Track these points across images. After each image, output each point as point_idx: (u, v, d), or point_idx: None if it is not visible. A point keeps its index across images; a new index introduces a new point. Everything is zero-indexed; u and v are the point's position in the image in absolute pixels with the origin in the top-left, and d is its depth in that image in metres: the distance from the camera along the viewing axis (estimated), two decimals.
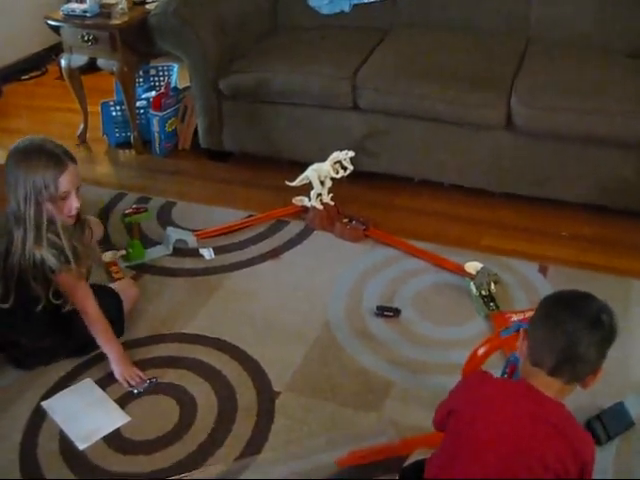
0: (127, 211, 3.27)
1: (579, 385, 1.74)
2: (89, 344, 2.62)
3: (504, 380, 2.01)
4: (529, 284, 3.00)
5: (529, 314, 2.21)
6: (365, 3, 4.02)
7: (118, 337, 2.66)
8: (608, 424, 2.28)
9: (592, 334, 1.70)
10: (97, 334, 2.57)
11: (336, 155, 3.25)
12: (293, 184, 3.33)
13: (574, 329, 1.69)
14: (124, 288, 2.85)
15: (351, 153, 3.24)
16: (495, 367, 2.33)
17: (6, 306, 2.47)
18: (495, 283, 2.93)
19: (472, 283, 2.93)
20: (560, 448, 1.66)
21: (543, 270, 3.07)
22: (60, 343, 2.64)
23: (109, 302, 2.69)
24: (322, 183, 3.30)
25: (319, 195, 3.33)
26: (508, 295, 2.93)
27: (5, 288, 2.47)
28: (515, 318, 2.43)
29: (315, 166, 3.27)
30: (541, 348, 1.74)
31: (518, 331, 2.09)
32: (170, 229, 3.32)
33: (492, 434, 1.70)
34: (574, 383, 1.74)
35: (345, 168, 3.27)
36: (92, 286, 2.63)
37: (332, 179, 3.29)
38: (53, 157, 2.41)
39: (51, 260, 2.42)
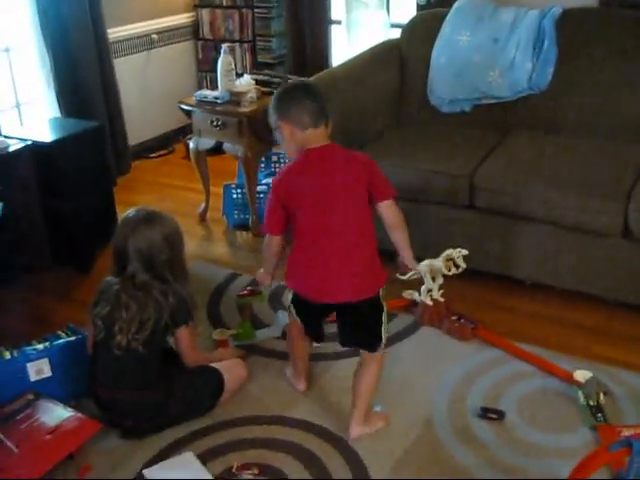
0: (241, 292, 3.37)
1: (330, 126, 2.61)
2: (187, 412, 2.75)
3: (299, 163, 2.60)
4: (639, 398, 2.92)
5: None
6: (486, 104, 4.08)
7: (206, 413, 2.81)
8: None
9: (310, 94, 2.61)
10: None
11: (449, 252, 3.27)
12: (405, 277, 3.36)
13: (300, 96, 2.58)
14: (233, 367, 2.92)
15: (464, 251, 3.25)
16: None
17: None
18: (604, 394, 2.85)
19: (580, 392, 2.87)
20: (352, 165, 2.58)
21: None
22: (165, 399, 2.72)
23: (209, 380, 2.81)
24: (433, 279, 3.32)
25: (429, 291, 3.35)
26: (617, 408, 2.84)
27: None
28: (626, 433, 2.36)
29: (427, 262, 3.30)
30: (296, 118, 2.54)
31: (628, 446, 2.06)
32: (281, 312, 3.39)
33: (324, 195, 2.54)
34: (329, 122, 2.61)
35: (458, 266, 3.28)
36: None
37: (443, 276, 3.31)
38: None
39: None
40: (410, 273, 3.32)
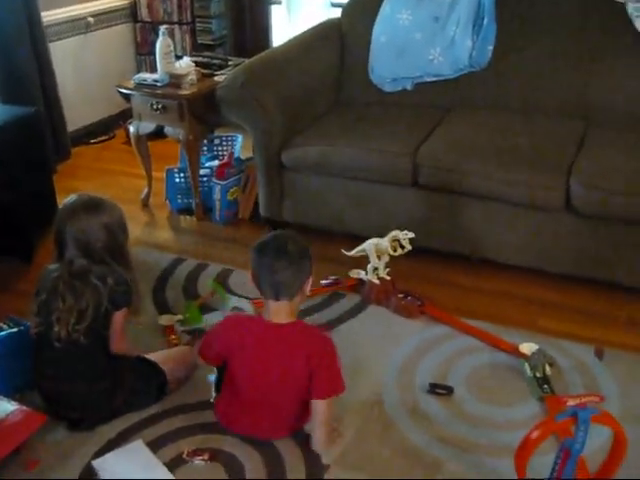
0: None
1: (303, 295, 2.49)
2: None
3: (252, 323, 2.59)
4: (585, 368, 2.95)
5: (586, 399, 2.20)
6: (427, 82, 4.09)
7: (154, 403, 2.77)
8: None
9: (281, 262, 2.38)
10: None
11: (395, 234, 3.28)
12: (350, 254, 3.37)
13: (268, 264, 2.40)
14: (182, 355, 2.89)
15: (411, 234, 3.27)
16: (548, 451, 2.31)
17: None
18: (550, 365, 2.90)
19: (527, 364, 2.91)
20: (296, 354, 2.43)
21: (599, 353, 3.02)
22: (112, 390, 2.67)
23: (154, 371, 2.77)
24: (379, 257, 3.33)
25: (375, 269, 3.35)
26: (563, 378, 2.89)
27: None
28: (571, 402, 2.40)
29: (374, 240, 3.31)
30: (261, 285, 2.43)
31: (573, 416, 2.09)
32: (227, 296, 3.36)
33: (256, 369, 2.48)
34: (295, 297, 2.45)
35: (403, 247, 3.29)
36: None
37: (389, 256, 3.32)
38: None
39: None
40: (356, 249, 3.33)
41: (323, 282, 3.45)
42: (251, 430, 2.58)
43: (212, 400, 2.70)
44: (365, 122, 3.86)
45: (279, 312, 2.47)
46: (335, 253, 3.52)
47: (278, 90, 3.78)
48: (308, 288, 2.50)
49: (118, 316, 2.67)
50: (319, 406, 2.46)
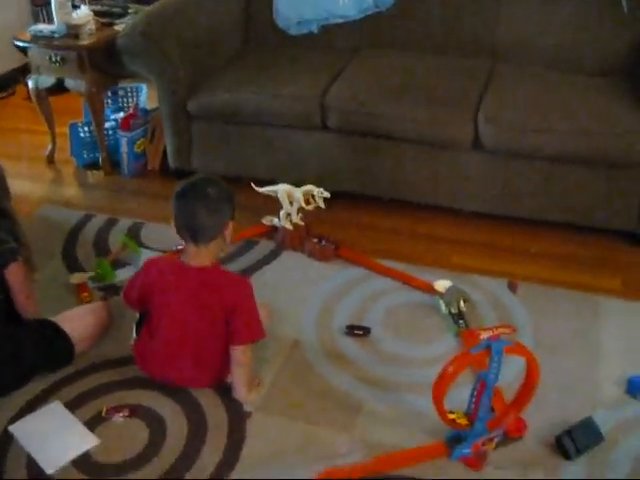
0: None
1: (223, 240, 2.46)
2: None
3: (174, 265, 2.54)
4: (498, 301, 3.01)
5: (498, 331, 2.24)
6: (333, 24, 4.04)
7: (65, 364, 2.69)
8: (578, 439, 2.29)
9: (199, 206, 2.36)
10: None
11: (311, 188, 3.26)
12: (260, 190, 3.33)
13: (186, 208, 2.38)
14: (91, 312, 2.82)
15: (326, 194, 3.26)
16: (466, 383, 2.36)
17: None
18: (465, 301, 2.94)
19: (442, 301, 2.95)
20: (213, 298, 2.42)
21: (512, 287, 3.08)
22: (13, 355, 2.58)
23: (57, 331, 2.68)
24: (291, 203, 3.30)
25: (288, 215, 3.33)
26: (478, 313, 2.95)
27: None
28: (484, 335, 2.43)
29: (286, 187, 3.28)
30: (180, 230, 2.41)
31: (487, 348, 2.13)
32: (140, 250, 3.30)
33: (174, 310, 2.47)
34: (214, 241, 2.42)
35: (316, 203, 3.30)
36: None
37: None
38: None
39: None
40: (268, 188, 3.29)
41: None
42: (169, 374, 2.55)
43: (132, 342, 2.67)
44: (272, 67, 3.79)
45: (198, 256, 2.45)
46: (247, 201, 3.47)
47: (181, 37, 3.68)
48: (229, 233, 2.48)
49: (12, 274, 2.59)
50: (237, 353, 2.45)
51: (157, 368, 2.57)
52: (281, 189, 3.30)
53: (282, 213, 3.34)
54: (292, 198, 3.30)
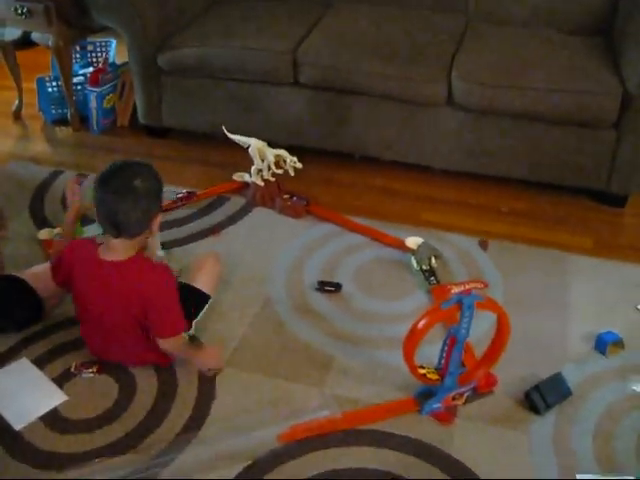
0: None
1: (149, 232, 2.29)
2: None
3: (91, 255, 2.33)
4: (469, 258, 3.02)
5: (470, 286, 2.23)
6: None
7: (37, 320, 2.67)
8: (547, 394, 2.31)
9: (125, 201, 2.16)
10: None
11: (283, 153, 3.24)
12: (230, 136, 3.30)
13: (110, 201, 2.17)
14: None
15: (299, 164, 3.24)
16: (436, 338, 2.36)
17: None
18: (436, 258, 2.95)
19: (413, 258, 2.94)
20: (128, 294, 2.25)
21: (483, 245, 3.09)
22: None
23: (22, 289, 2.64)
24: (262, 160, 3.27)
25: (260, 171, 3.30)
26: (449, 269, 2.95)
27: None
28: (455, 290, 2.43)
29: (257, 143, 3.24)
30: (101, 222, 2.22)
31: (458, 303, 2.13)
32: None
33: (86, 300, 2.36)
34: (139, 236, 2.25)
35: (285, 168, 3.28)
36: None
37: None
38: None
39: None
40: (239, 138, 3.27)
41: (176, 196, 3.35)
42: (101, 354, 2.51)
43: None
44: (243, 20, 3.72)
45: (116, 248, 2.27)
46: (218, 158, 3.47)
47: None
48: (156, 224, 2.31)
49: None
50: (162, 344, 2.35)
51: (91, 346, 2.53)
52: (253, 144, 3.26)
53: (253, 169, 3.31)
54: (263, 155, 3.26)
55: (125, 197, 2.17)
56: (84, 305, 2.41)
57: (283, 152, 3.26)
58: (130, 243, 2.27)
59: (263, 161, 3.27)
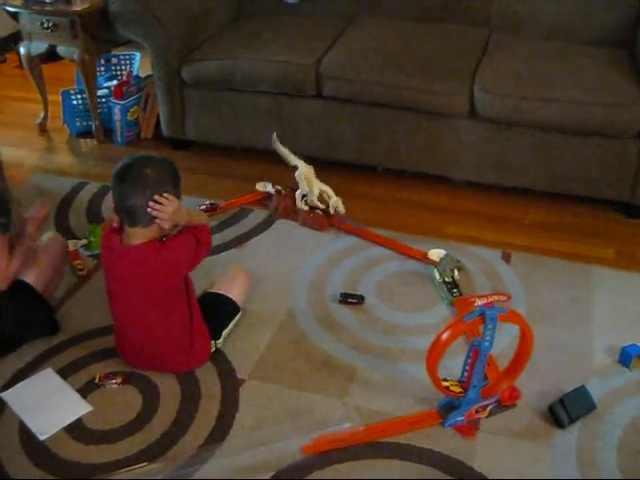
0: None
1: (159, 223, 2.28)
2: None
3: (112, 246, 2.38)
4: (492, 271, 3.01)
5: (493, 298, 2.23)
6: None
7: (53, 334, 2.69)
8: (570, 408, 2.30)
9: (136, 189, 2.21)
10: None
11: (328, 191, 3.26)
12: (280, 148, 3.32)
13: (123, 190, 2.23)
14: (47, 250, 2.84)
15: (341, 208, 3.24)
16: (459, 351, 2.36)
17: None
18: (459, 270, 2.94)
19: (435, 270, 2.94)
20: (150, 275, 2.30)
21: (506, 257, 3.08)
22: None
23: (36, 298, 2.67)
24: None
25: (304, 196, 3.31)
26: (471, 282, 2.94)
27: None
28: (478, 302, 2.43)
29: (308, 169, 3.27)
30: (117, 211, 2.29)
31: (481, 315, 2.12)
32: None
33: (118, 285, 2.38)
34: (151, 224, 2.28)
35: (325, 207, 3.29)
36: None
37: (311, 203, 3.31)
38: None
39: None
40: (289, 155, 3.30)
41: (199, 208, 3.34)
42: (137, 361, 2.53)
43: None
44: (267, 34, 3.75)
45: (134, 236, 2.31)
46: (240, 170, 3.47)
47: (175, 3, 3.65)
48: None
49: None
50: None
51: (132, 358, 2.55)
52: (301, 169, 3.27)
53: (298, 193, 3.32)
54: (310, 185, 3.27)
55: (135, 185, 2.23)
56: (113, 303, 2.44)
57: (329, 189, 3.26)
58: (145, 232, 2.30)
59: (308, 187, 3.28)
